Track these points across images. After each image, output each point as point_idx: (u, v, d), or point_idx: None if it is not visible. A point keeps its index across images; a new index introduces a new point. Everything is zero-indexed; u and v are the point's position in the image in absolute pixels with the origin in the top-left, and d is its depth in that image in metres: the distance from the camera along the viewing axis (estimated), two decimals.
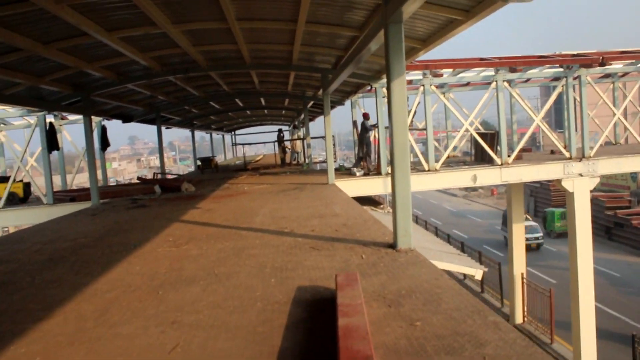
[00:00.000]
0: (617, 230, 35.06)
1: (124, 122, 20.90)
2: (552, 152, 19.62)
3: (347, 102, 21.27)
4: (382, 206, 16.83)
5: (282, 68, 14.27)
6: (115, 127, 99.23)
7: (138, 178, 22.84)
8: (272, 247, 6.64)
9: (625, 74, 20.87)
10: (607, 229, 35.50)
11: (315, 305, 4.27)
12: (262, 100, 24.80)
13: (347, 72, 11.10)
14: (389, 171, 15.98)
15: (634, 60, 17.28)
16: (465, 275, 29.32)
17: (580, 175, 16.35)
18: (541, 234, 35.24)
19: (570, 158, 16.38)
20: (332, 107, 24.13)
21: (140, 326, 4.11)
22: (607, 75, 20.71)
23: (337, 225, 7.89)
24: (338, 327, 3.18)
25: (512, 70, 15.62)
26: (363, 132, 17.33)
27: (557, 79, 18.47)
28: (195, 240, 7.49)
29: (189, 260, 6.29)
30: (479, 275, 10.50)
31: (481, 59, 15.70)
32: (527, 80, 19.91)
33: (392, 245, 6.10)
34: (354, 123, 20.45)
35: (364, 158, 17.18)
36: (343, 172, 17.96)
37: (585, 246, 16.48)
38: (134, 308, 4.58)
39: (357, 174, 16.28)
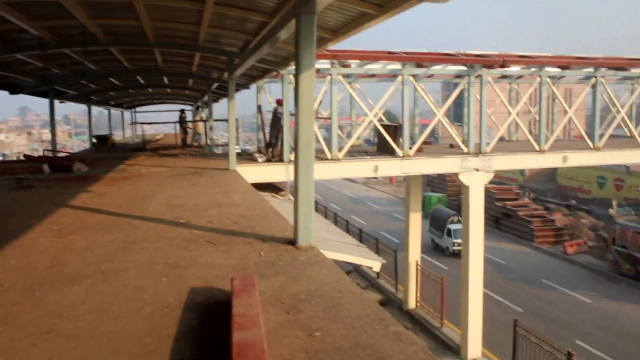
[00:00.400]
0: (505, 221, 37.09)
1: (11, 93, 19.41)
2: (451, 145, 20.26)
3: (253, 86, 20.87)
4: (283, 193, 16.65)
5: (187, 48, 13.66)
6: (3, 97, 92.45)
7: (25, 155, 21.33)
8: (166, 239, 6.26)
9: (520, 77, 21.87)
10: (497, 219, 37.41)
11: (208, 311, 4.01)
12: (165, 79, 23.86)
13: (255, 58, 10.78)
14: (292, 158, 15.89)
15: (530, 65, 18.14)
16: None
17: (477, 170, 16.97)
18: None
19: (468, 153, 16.95)
20: (237, 91, 23.58)
21: (8, 337, 3.62)
22: (505, 77, 21.60)
23: (236, 216, 7.63)
24: (232, 344, 2.95)
25: (419, 65, 15.89)
26: (276, 119, 17.04)
27: (460, 76, 18.99)
28: (83, 229, 6.94)
29: (74, 253, 5.78)
30: (377, 267, 10.60)
31: (389, 53, 15.84)
32: (431, 75, 20.36)
33: (293, 242, 5.92)
34: (259, 108, 20.10)
35: (274, 145, 16.85)
36: (245, 157, 17.63)
37: (477, 237, 17.19)
38: (4, 313, 4.06)
39: (260, 159, 16.02)
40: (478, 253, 17.29)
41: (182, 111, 26.92)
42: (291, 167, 15.33)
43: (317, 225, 13.63)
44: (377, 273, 25.86)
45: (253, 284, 4.00)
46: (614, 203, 43.30)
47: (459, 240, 26.19)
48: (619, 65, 19.10)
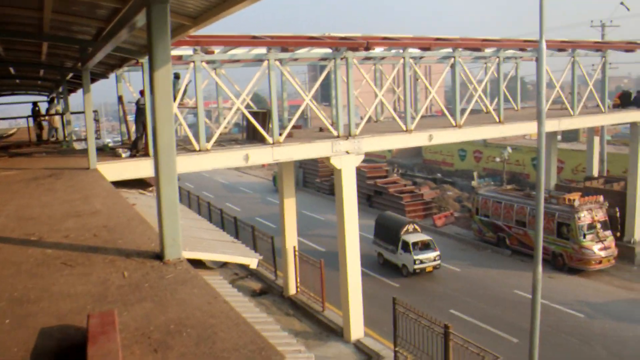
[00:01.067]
0: (377, 198, 38.18)
1: None
2: (321, 129, 20.26)
3: (113, 76, 19.58)
4: (151, 189, 15.75)
5: (31, 37, 12.33)
6: None
7: None
8: (13, 265, 5.46)
9: (384, 58, 22.31)
10: (368, 197, 38.41)
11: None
12: (12, 69, 21.72)
13: (111, 46, 9.91)
14: None
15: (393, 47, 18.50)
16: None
17: (347, 152, 17.08)
18: (438, 253, 25.36)
19: (338, 136, 16.99)
20: (95, 81, 22.05)
21: None
22: (369, 58, 21.92)
23: (97, 227, 6.92)
24: None
25: (284, 49, 15.59)
26: (140, 111, 15.98)
27: (325, 59, 18.99)
28: None
29: None
30: (254, 264, 10.25)
31: (253, 37, 15.39)
32: (297, 59, 20.15)
33: (159, 256, 5.39)
34: (119, 98, 18.91)
35: (139, 139, 15.80)
36: (108, 152, 16.49)
37: (352, 219, 17.39)
38: None
39: (124, 155, 15.00)
40: (354, 235, 17.51)
41: (35, 104, 24.78)
42: None
43: (189, 222, 13.02)
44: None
45: (113, 322, 3.47)
46: (475, 174, 46.21)
47: (423, 257, 24.33)
48: (474, 46, 20.01)
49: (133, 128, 20.00)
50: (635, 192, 26.74)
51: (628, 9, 35.11)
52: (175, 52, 15.97)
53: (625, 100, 27.82)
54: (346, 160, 17.03)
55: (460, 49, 19.02)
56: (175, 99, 15.40)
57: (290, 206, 21.53)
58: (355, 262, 17.50)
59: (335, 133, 16.99)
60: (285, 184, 21.25)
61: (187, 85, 15.72)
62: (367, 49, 16.35)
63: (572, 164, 39.54)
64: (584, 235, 24.37)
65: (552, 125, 22.93)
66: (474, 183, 35.18)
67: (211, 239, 10.98)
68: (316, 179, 45.43)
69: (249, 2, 7.09)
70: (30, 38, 12.54)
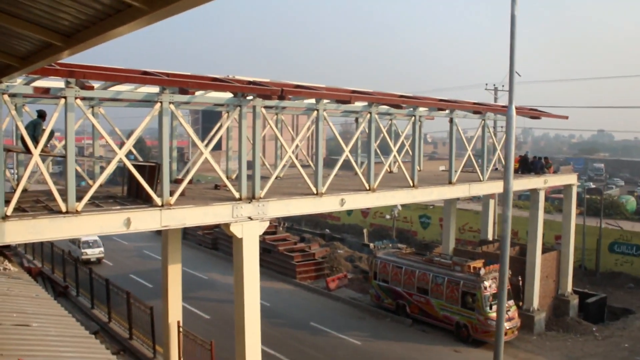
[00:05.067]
0: (266, 256, 35.10)
1: None
2: (217, 186, 17.40)
3: None
4: None
5: None
6: None
7: None
8: None
9: (285, 108, 19.87)
10: None
11: None
12: None
13: None
14: (8, 213, 11.43)
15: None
16: (93, 304, 25.22)
17: (250, 218, 14.33)
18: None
19: (240, 199, 14.21)
20: None
21: None
22: (270, 107, 19.31)
23: None
24: None
25: (182, 91, 12.69)
26: None
27: (223, 105, 16.39)
28: None
29: None
30: None
31: (144, 73, 12.38)
32: (191, 103, 17.14)
33: None
34: None
35: None
36: None
37: (252, 299, 14.66)
38: None
39: None
40: (254, 316, 14.71)
41: None
42: (8, 224, 10.95)
43: (18, 305, 9.51)
44: (130, 332, 21.74)
45: None
46: (365, 231, 44.83)
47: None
48: (390, 102, 18.18)
49: None
50: (534, 259, 26.08)
51: (519, 75, 35.62)
52: (41, 83, 12.61)
53: (523, 165, 27.43)
54: (249, 228, 14.25)
55: (325, 100, 16.59)
56: (37, 143, 11.94)
57: (175, 273, 18.25)
58: (255, 349, 14.64)
59: (237, 195, 14.19)
60: (171, 250, 18.02)
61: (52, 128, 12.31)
62: (281, 97, 13.85)
63: (459, 223, 38.75)
64: (490, 306, 23.00)
65: (462, 190, 21.60)
66: (372, 246, 33.18)
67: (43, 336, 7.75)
68: (198, 231, 41.61)
69: (140, 23, 4.47)
70: None
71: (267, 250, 34.96)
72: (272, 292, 29.77)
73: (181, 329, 18.27)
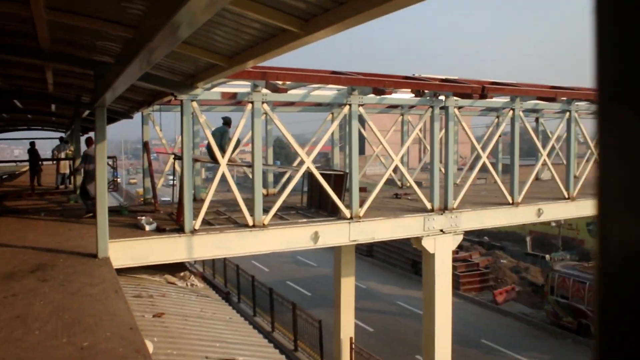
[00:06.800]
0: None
1: None
2: (397, 195, 16.01)
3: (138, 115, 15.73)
4: (183, 274, 11.46)
5: (20, 54, 8.17)
6: None
7: None
8: None
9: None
10: (413, 263, 33.68)
11: None
12: (18, 102, 17.92)
13: (136, 69, 5.82)
14: (196, 227, 10.77)
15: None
16: (255, 311, 24.64)
17: (442, 231, 12.76)
18: None
19: (432, 210, 12.69)
20: (114, 120, 18.14)
21: None
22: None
23: None
24: None
25: (379, 92, 11.40)
26: (88, 166, 11.76)
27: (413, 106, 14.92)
28: None
29: None
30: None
31: (333, 72, 11.26)
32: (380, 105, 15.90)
33: None
34: (145, 145, 14.88)
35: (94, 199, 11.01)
36: (126, 216, 12.33)
37: (444, 320, 13.03)
38: None
39: (147, 227, 10.71)
40: (445, 333, 13.09)
41: (32, 144, 20.98)
42: (197, 238, 10.27)
43: (215, 331, 8.58)
44: (295, 345, 21.00)
45: None
46: (528, 239, 41.53)
47: None
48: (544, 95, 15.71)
49: (161, 183, 16.04)
50: None
51: None
52: (226, 89, 11.90)
53: None
54: (442, 242, 12.70)
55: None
56: (224, 152, 11.21)
57: (348, 287, 17.14)
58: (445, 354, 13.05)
59: (428, 205, 12.68)
60: (344, 260, 16.92)
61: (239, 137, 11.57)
62: (483, 96, 12.11)
63: None
64: None
65: None
66: (547, 257, 30.18)
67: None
68: None
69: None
70: (20, 56, 8.41)
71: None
72: None
73: (354, 346, 17.11)
